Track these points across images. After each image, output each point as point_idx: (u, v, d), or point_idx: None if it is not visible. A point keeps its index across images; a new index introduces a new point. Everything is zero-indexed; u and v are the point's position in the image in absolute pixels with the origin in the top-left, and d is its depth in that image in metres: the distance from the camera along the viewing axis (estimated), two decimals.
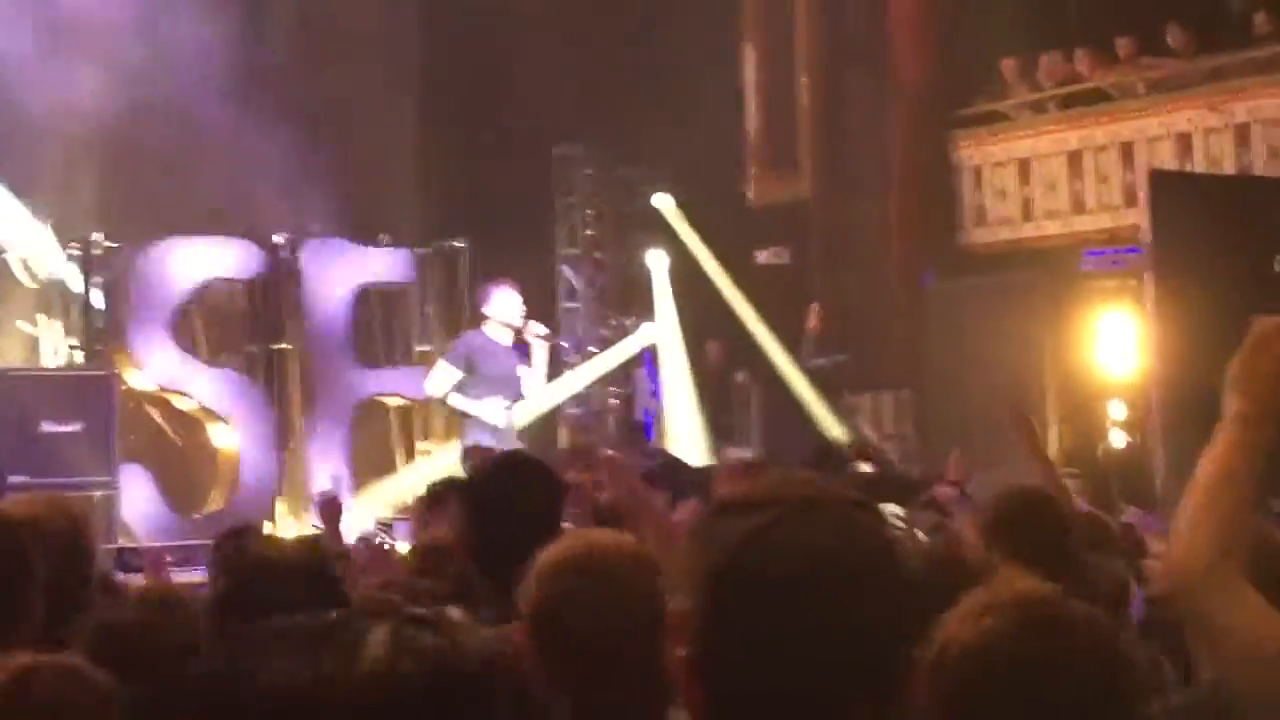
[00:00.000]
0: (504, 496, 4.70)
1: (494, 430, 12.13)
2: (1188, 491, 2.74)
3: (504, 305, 12.49)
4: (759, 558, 2.08)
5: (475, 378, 12.31)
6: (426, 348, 16.45)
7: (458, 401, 12.37)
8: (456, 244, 16.91)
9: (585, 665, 3.23)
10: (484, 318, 12.59)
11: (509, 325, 12.46)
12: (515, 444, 11.82)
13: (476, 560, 4.69)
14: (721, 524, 2.15)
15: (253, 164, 16.13)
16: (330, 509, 7.61)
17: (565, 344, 16.43)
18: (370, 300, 16.33)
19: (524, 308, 12.63)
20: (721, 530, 2.14)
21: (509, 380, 12.41)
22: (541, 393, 13.73)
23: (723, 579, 2.10)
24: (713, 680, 2.10)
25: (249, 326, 15.64)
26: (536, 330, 12.64)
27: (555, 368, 14.84)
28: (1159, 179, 13.91)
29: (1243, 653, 2.62)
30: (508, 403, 12.39)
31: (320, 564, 4.43)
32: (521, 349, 12.61)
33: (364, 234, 16.16)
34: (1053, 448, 14.79)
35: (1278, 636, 2.61)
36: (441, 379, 12.45)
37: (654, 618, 3.20)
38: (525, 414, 13.46)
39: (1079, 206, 16.79)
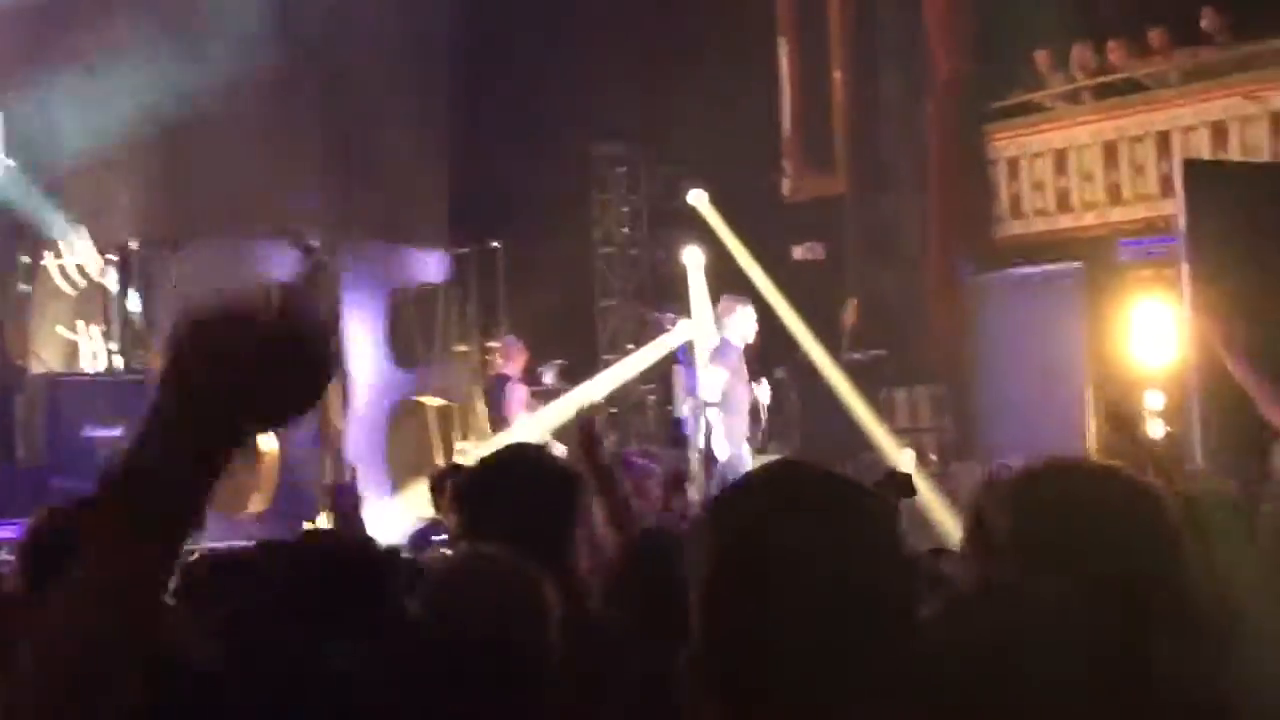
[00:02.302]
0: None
1: None
2: None
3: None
4: (764, 542, 2.09)
5: None
6: (464, 348, 16.48)
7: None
8: (493, 244, 16.94)
9: None
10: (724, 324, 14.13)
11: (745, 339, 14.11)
12: None
13: None
14: (728, 511, 2.16)
15: (287, 167, 16.21)
16: (347, 499, 7.58)
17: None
18: (407, 301, 16.36)
19: None
20: (728, 516, 2.15)
21: None
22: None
23: (730, 563, 2.11)
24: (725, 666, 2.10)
25: None
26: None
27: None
28: (1193, 168, 13.88)
29: None
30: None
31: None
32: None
33: (400, 235, 16.20)
34: (1091, 439, 14.77)
35: None
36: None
37: None
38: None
39: (1115, 197, 16.72)
